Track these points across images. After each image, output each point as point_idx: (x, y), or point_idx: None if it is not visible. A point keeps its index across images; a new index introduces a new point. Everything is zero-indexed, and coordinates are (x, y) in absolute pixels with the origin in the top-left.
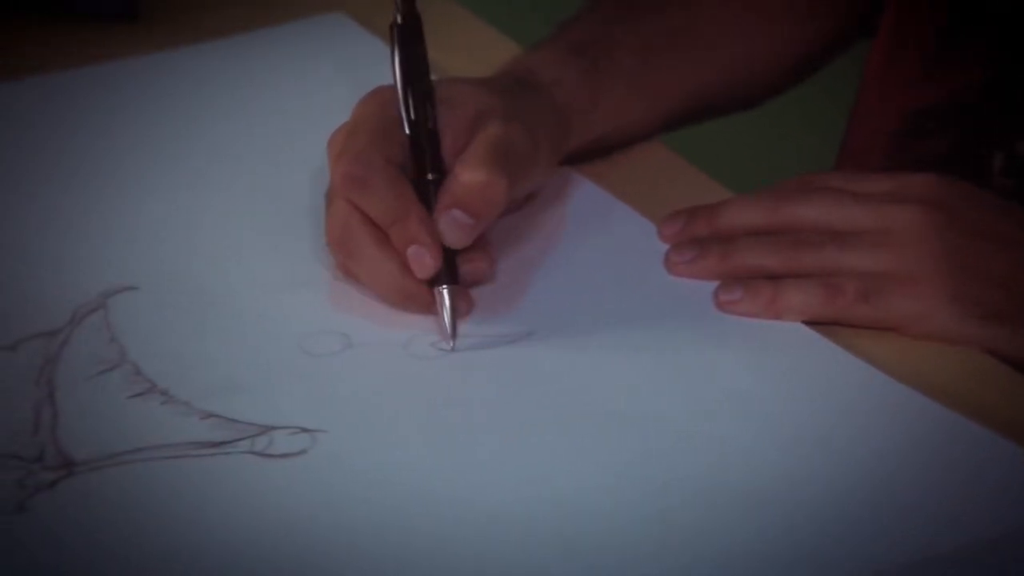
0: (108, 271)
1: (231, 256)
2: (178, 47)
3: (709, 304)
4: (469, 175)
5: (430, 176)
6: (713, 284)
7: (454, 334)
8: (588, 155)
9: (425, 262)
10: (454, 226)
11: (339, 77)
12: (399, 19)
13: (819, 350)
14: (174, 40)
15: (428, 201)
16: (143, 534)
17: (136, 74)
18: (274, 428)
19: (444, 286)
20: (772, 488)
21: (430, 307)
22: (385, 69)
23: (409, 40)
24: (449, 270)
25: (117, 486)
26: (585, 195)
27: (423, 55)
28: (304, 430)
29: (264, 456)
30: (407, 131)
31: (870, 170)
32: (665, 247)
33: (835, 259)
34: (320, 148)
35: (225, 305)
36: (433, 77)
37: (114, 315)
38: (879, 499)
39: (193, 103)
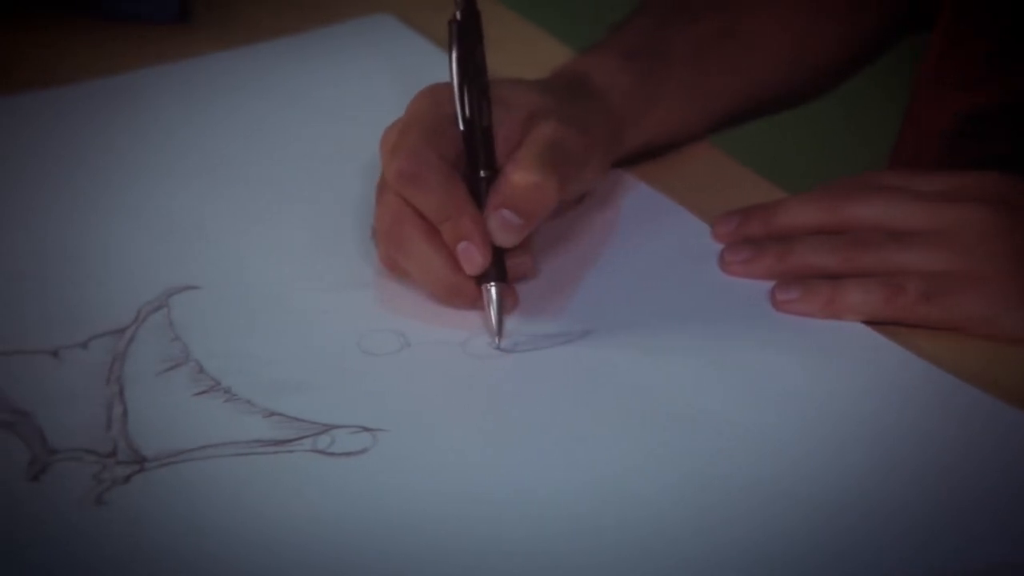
0: (170, 270)
1: (288, 256)
2: (227, 49)
3: (765, 304)
4: (520, 176)
5: (482, 173)
6: (768, 284)
7: (500, 331)
8: (639, 157)
9: (475, 259)
10: (504, 226)
11: (386, 77)
12: (458, 16)
13: (881, 350)
14: (223, 43)
15: (479, 198)
16: (212, 529)
17: (188, 77)
18: (335, 427)
19: (492, 283)
20: (834, 490)
21: (476, 303)
22: (431, 68)
23: (467, 37)
24: (497, 267)
25: (186, 482)
26: (637, 196)
27: (480, 53)
28: (365, 429)
29: (327, 455)
30: (461, 128)
31: (926, 161)
32: (718, 247)
33: (896, 259)
34: (370, 147)
35: (283, 304)
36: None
37: (177, 314)
38: (944, 502)
39: (245, 104)
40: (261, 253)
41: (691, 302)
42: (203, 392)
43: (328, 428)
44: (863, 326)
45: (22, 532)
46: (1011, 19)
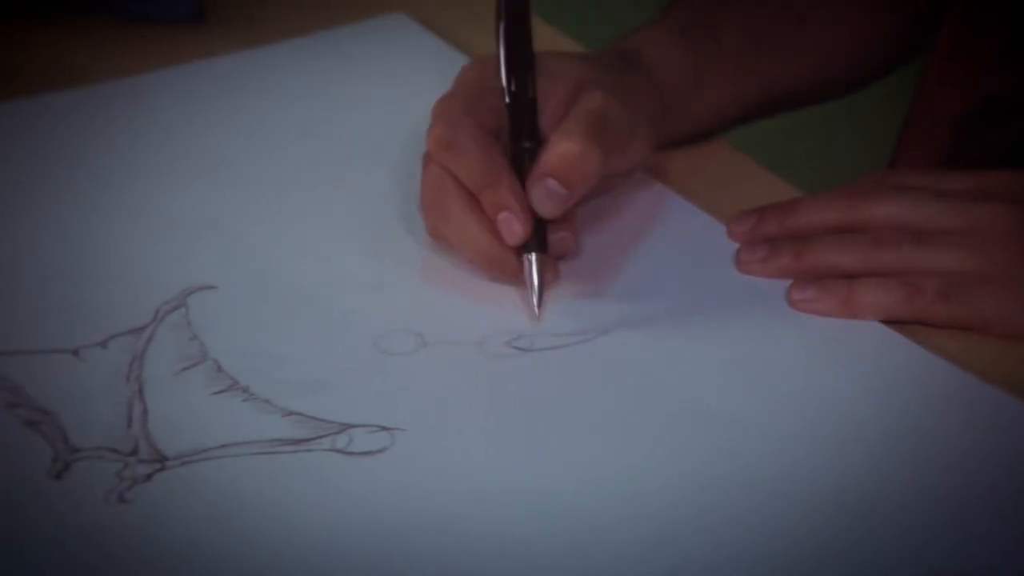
0: (187, 270)
1: (304, 255)
2: (242, 50)
3: (782, 303)
4: (565, 145)
5: (526, 144)
6: (784, 283)
7: (540, 301)
8: (684, 139)
9: (515, 229)
10: (547, 196)
11: (401, 76)
12: None
13: (899, 349)
14: (238, 43)
15: (523, 169)
16: (234, 527)
17: (203, 77)
18: (353, 426)
19: (532, 254)
20: (854, 490)
21: (516, 274)
22: (446, 67)
23: (515, 9)
24: (538, 238)
25: (208, 480)
26: (652, 196)
27: (528, 24)
28: (383, 428)
29: (346, 454)
30: (507, 99)
31: (934, 160)
32: (734, 246)
33: (915, 258)
34: (386, 146)
35: (299, 304)
36: None
37: (194, 313)
38: (965, 502)
39: (261, 104)
40: (277, 253)
41: (708, 302)
42: (221, 391)
43: (346, 427)
44: (881, 325)
45: (47, 530)
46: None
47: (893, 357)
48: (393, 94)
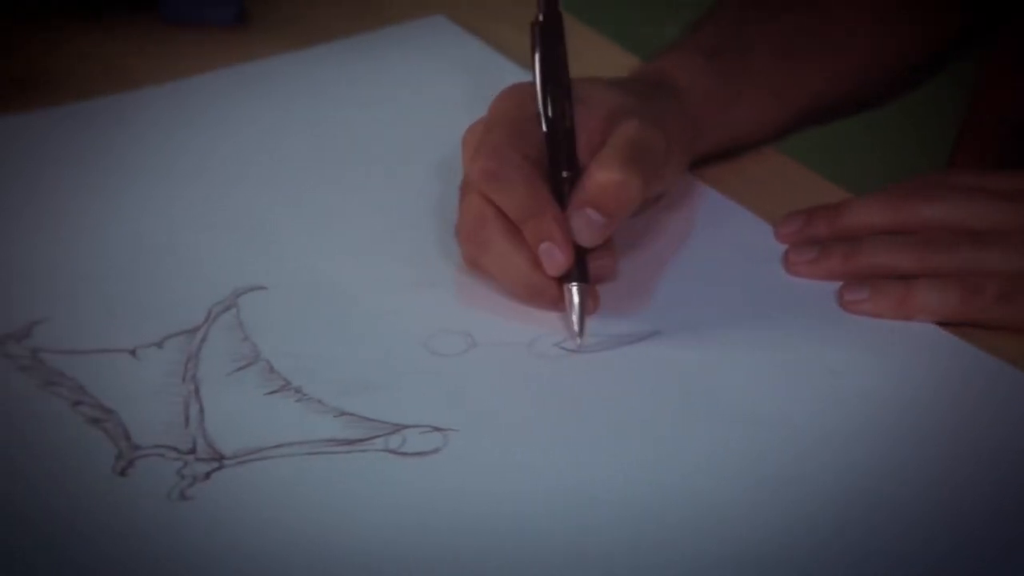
0: (238, 271)
1: (350, 256)
2: (284, 52)
3: (832, 304)
4: (604, 174)
5: (565, 174)
6: (834, 285)
7: (583, 331)
8: (714, 157)
9: (557, 259)
10: (587, 225)
11: (441, 78)
12: (541, 18)
13: (955, 351)
14: (279, 46)
15: (562, 198)
16: (291, 526)
17: (248, 79)
18: (406, 427)
19: (574, 283)
20: (908, 493)
21: (557, 303)
22: (485, 68)
23: (550, 38)
24: (580, 268)
25: (264, 480)
26: (700, 198)
27: (563, 54)
28: (436, 429)
29: (399, 454)
30: (544, 128)
31: (993, 162)
32: (782, 248)
33: (971, 258)
34: (426, 147)
35: (348, 304)
36: None
37: (246, 314)
38: (1022, 504)
39: (304, 106)
40: (324, 254)
41: (757, 303)
42: (274, 391)
43: (399, 428)
44: (936, 327)
45: (113, 525)
46: None
47: (948, 359)
48: (433, 95)
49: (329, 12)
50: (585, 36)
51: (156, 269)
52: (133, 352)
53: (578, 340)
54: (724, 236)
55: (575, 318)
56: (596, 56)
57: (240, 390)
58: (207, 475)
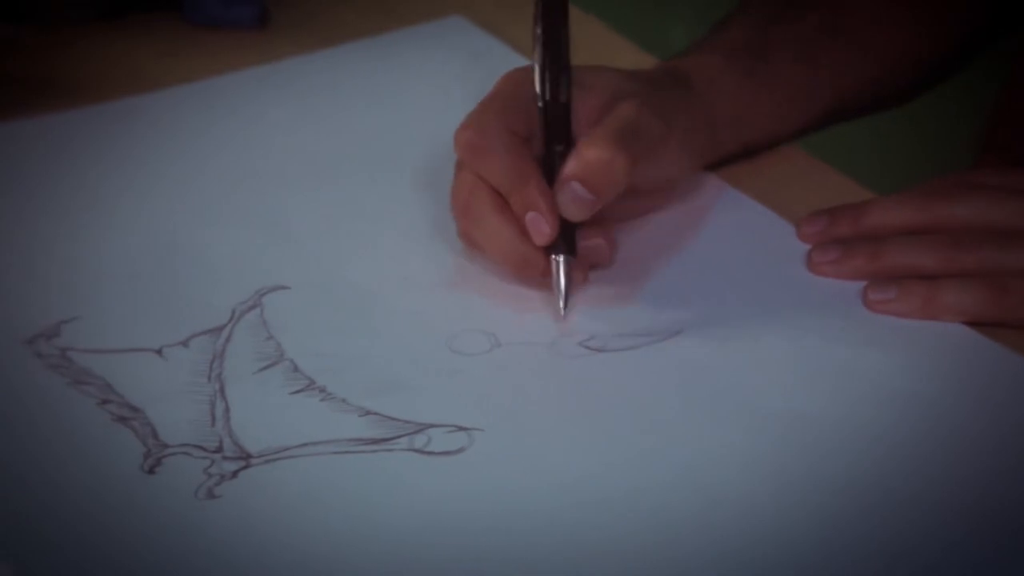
0: (262, 271)
1: (373, 256)
2: (305, 53)
3: (857, 304)
4: (591, 151)
5: (558, 148)
6: (857, 284)
7: (567, 303)
8: (737, 156)
9: (542, 229)
10: (572, 199)
11: (461, 78)
12: None
13: (983, 351)
14: (300, 47)
15: (554, 172)
16: (318, 525)
17: (269, 80)
18: (431, 426)
19: (560, 256)
20: (935, 493)
21: (545, 275)
22: (504, 68)
23: (552, 15)
24: (567, 241)
25: (290, 478)
26: (721, 197)
27: (565, 34)
28: (460, 428)
29: (424, 454)
30: (540, 103)
31: (1016, 160)
32: (805, 248)
33: (999, 258)
34: (448, 148)
35: (373, 304)
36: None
37: (269, 313)
38: None
39: (324, 107)
40: (346, 253)
41: (780, 302)
42: (299, 391)
43: (424, 427)
44: (963, 327)
45: (142, 523)
46: None
47: (975, 358)
48: (452, 95)
49: (349, 13)
50: (604, 36)
51: (180, 269)
52: (159, 351)
53: (561, 311)
54: (747, 236)
55: (561, 290)
56: (611, 54)
57: (265, 389)
58: (234, 473)
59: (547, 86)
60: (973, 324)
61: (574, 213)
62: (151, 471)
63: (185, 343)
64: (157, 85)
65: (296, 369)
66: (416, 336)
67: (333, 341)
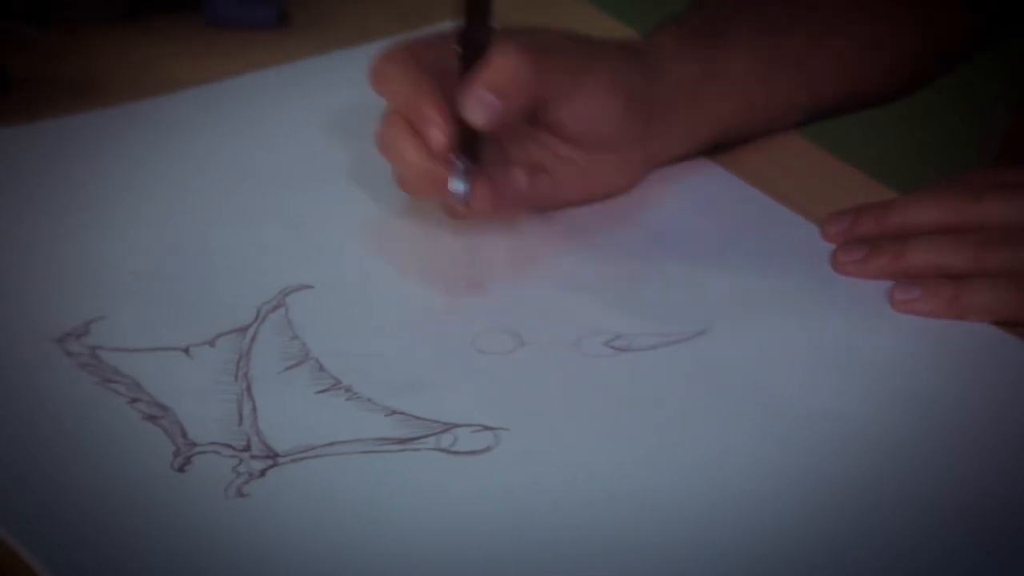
0: (286, 270)
1: (396, 255)
2: (325, 53)
3: (882, 304)
4: (497, 57)
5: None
6: (882, 284)
7: (465, 197)
8: (721, 147)
9: (434, 135)
10: (477, 103)
11: None
12: None
13: (1011, 351)
14: (319, 47)
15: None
16: (344, 524)
17: (289, 80)
18: (457, 425)
19: (458, 157)
20: (961, 493)
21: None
22: None
23: None
24: (469, 148)
25: (318, 477)
26: (743, 198)
27: None
28: (487, 428)
29: (451, 453)
30: (459, 42)
31: None
32: (829, 247)
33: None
34: None
35: (397, 303)
36: None
37: (294, 313)
38: None
39: (345, 107)
40: (370, 253)
41: (805, 302)
42: (325, 390)
43: (450, 427)
44: (990, 326)
45: (173, 521)
46: None
47: (1003, 358)
48: None
49: (368, 14)
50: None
51: (206, 269)
52: (187, 350)
53: (457, 211)
54: (770, 236)
55: (460, 189)
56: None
57: (291, 389)
58: (262, 472)
59: (467, 22)
60: (999, 324)
61: (479, 117)
62: (181, 469)
63: (211, 343)
64: (179, 85)
65: (322, 368)
66: (440, 335)
67: (357, 340)
